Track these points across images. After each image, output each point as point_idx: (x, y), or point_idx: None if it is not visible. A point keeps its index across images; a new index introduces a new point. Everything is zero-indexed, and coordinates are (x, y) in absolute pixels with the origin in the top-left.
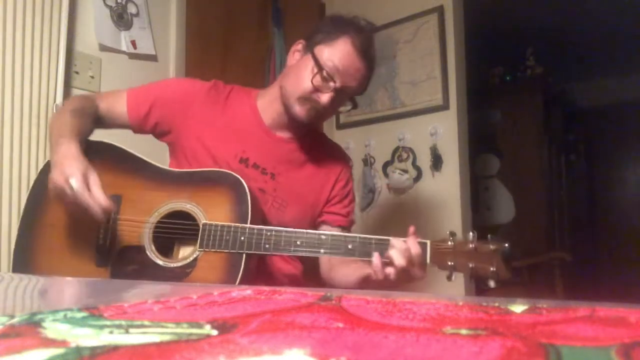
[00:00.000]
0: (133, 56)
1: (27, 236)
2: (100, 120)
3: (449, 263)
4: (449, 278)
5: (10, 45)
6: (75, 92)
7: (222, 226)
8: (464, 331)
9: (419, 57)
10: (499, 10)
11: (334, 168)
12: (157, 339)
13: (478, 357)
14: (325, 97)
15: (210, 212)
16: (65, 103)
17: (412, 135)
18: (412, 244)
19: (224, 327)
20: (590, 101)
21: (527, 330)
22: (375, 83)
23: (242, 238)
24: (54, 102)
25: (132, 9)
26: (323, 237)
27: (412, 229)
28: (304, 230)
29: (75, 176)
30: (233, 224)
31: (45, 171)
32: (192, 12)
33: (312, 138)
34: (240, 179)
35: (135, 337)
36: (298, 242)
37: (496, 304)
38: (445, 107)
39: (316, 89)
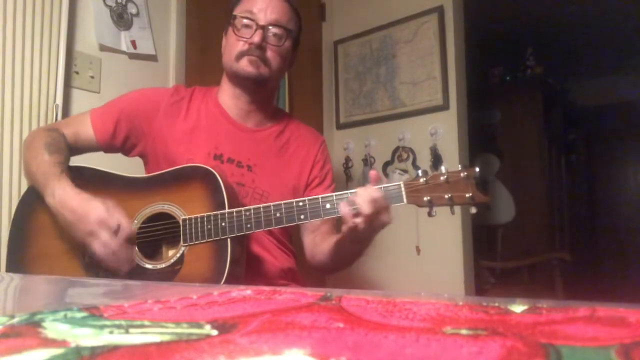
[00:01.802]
0: (133, 56)
1: (16, 261)
2: (70, 148)
3: (425, 199)
4: (430, 214)
5: (10, 45)
6: (75, 92)
7: (202, 217)
8: (464, 331)
9: (419, 57)
10: (499, 10)
11: (310, 150)
12: (157, 339)
13: (478, 357)
14: (255, 37)
15: (187, 208)
16: (32, 139)
17: (412, 135)
18: (371, 190)
19: (224, 327)
20: (590, 101)
21: (527, 330)
22: (375, 83)
23: (223, 224)
24: (54, 102)
25: (132, 9)
26: (300, 203)
27: (373, 174)
28: (281, 202)
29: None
30: (212, 213)
31: (28, 194)
32: (192, 12)
33: (282, 122)
34: (211, 169)
35: (135, 337)
36: (277, 215)
37: (496, 304)
38: (445, 107)
39: (245, 40)
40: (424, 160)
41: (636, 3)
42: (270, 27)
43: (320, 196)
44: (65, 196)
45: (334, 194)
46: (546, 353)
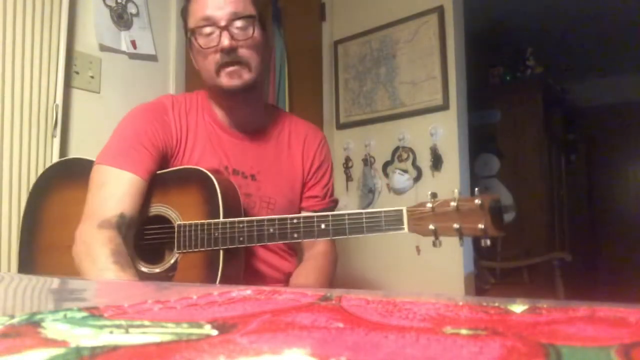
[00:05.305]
0: (133, 56)
1: (27, 251)
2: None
3: (430, 227)
4: (434, 244)
5: (10, 45)
6: (75, 92)
7: (196, 225)
8: (464, 331)
9: (419, 57)
10: (499, 10)
11: (309, 147)
12: (157, 339)
13: (478, 357)
14: (223, 41)
15: (184, 212)
16: (92, 247)
17: (412, 135)
18: None
19: (224, 327)
20: (590, 101)
21: (527, 330)
22: (375, 83)
23: (216, 234)
24: (54, 102)
25: (132, 9)
26: (295, 220)
27: None
28: (275, 217)
29: None
30: (206, 221)
31: (46, 175)
32: None
33: (280, 121)
34: (208, 173)
35: (135, 337)
36: (271, 230)
37: (496, 304)
38: (445, 107)
39: (215, 49)
40: (424, 160)
41: (636, 3)
42: (232, 23)
43: (316, 214)
44: None
45: (330, 213)
46: (546, 353)
